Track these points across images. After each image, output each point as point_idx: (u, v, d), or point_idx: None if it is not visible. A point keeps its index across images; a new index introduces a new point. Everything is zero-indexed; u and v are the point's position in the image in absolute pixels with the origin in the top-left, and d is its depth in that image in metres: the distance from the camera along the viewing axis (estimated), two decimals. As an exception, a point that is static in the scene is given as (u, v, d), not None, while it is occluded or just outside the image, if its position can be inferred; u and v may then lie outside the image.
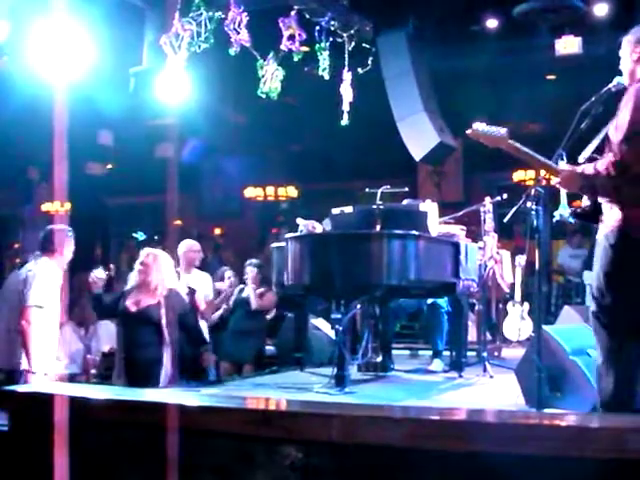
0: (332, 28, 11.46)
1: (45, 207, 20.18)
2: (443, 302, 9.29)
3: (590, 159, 5.32)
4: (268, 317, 11.60)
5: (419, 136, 13.70)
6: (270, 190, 20.69)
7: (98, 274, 7.99)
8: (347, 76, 11.86)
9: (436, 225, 8.59)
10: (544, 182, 5.97)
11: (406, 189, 9.42)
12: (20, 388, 5.78)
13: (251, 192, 20.80)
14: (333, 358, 7.75)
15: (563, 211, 5.80)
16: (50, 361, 7.46)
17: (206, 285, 10.31)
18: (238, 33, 10.27)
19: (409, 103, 13.72)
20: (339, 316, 7.51)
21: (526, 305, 11.64)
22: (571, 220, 5.91)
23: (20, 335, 7.29)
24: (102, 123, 17.12)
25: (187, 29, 10.29)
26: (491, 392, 7.88)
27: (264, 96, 11.10)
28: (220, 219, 21.59)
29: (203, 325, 9.94)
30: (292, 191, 20.65)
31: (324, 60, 11.42)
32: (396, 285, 7.68)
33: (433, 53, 14.33)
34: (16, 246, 21.42)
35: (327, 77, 11.55)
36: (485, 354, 9.08)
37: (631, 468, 3.39)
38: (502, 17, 13.79)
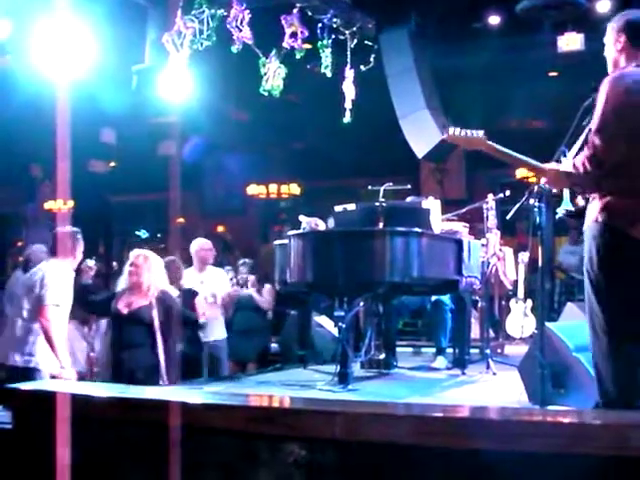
0: (334, 25, 11.45)
1: (48, 205, 20.21)
2: (446, 299, 9.28)
3: (577, 155, 5.31)
4: (269, 313, 11.62)
5: (421, 133, 13.71)
6: (273, 188, 20.70)
7: (88, 263, 8.02)
8: (349, 73, 11.86)
9: (439, 222, 8.58)
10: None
11: (409, 186, 9.43)
12: (24, 386, 5.79)
13: (254, 190, 20.82)
14: (336, 355, 7.75)
15: (566, 208, 5.79)
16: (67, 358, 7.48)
17: (223, 281, 10.33)
18: (240, 31, 10.28)
19: (411, 100, 13.73)
20: (342, 313, 7.51)
21: (529, 302, 11.64)
22: (573, 218, 5.90)
23: (43, 333, 7.30)
24: (105, 121, 17.14)
25: (189, 27, 10.29)
26: (494, 389, 7.88)
27: (266, 94, 11.10)
28: (223, 217, 21.60)
29: (220, 321, 9.99)
30: (295, 189, 20.66)
31: (326, 57, 11.42)
32: (399, 282, 7.68)
33: (435, 50, 14.34)
34: (19, 244, 21.43)
35: (329, 74, 11.55)
36: (488, 351, 9.08)
37: (634, 465, 3.39)
38: (504, 14, 13.80)
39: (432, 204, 8.65)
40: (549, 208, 5.94)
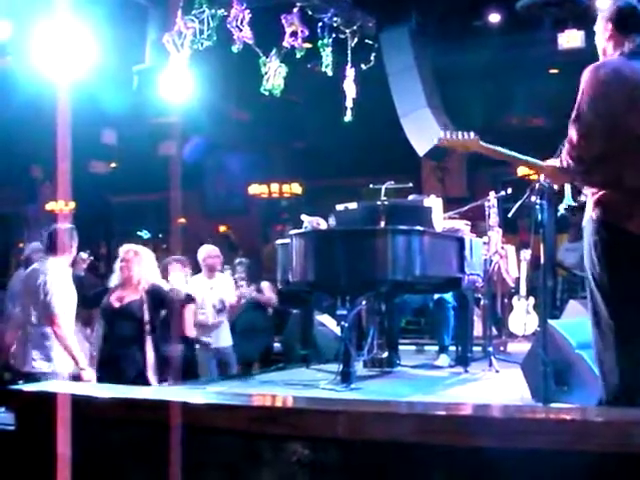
0: (335, 24, 11.46)
1: (49, 206, 20.21)
2: (449, 297, 9.29)
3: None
4: (270, 311, 11.62)
5: (422, 132, 13.71)
6: (274, 187, 20.70)
7: (82, 255, 8.03)
8: (350, 72, 11.86)
9: (441, 220, 8.59)
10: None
11: (410, 185, 9.43)
12: (26, 387, 5.78)
13: (255, 189, 20.82)
14: (339, 354, 7.76)
15: (568, 203, 5.78)
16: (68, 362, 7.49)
17: (230, 287, 10.34)
18: (241, 30, 10.28)
19: (412, 99, 13.74)
20: (344, 312, 7.51)
21: (531, 299, 11.64)
22: (574, 213, 5.89)
23: (58, 340, 7.32)
24: (106, 122, 17.15)
25: (190, 27, 10.29)
26: (497, 387, 7.88)
27: (267, 93, 11.11)
28: (224, 216, 21.60)
29: (227, 327, 10.00)
30: (296, 188, 20.66)
31: (327, 56, 11.42)
32: (401, 281, 7.68)
33: (436, 48, 14.34)
34: (21, 245, 21.44)
35: (330, 73, 11.56)
36: (491, 349, 9.09)
37: (637, 462, 3.38)
38: (505, 11, 13.80)
39: (434, 202, 8.65)
40: (551, 205, 5.94)
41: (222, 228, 21.43)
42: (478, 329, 10.30)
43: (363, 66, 12.03)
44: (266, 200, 21.12)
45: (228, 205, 21.57)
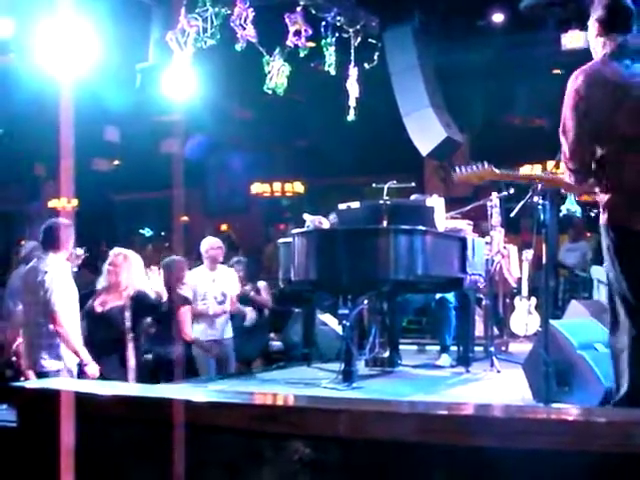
0: (338, 24, 11.47)
1: (52, 203, 20.23)
2: (451, 297, 9.29)
3: None
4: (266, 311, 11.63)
5: (425, 131, 13.70)
6: (276, 186, 20.73)
7: (77, 251, 8.03)
8: (353, 71, 11.88)
9: (443, 220, 8.59)
10: (551, 176, 5.95)
11: (413, 184, 9.43)
12: (28, 384, 5.79)
13: (257, 188, 20.85)
14: (340, 353, 7.77)
15: (570, 205, 5.79)
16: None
17: (233, 280, 10.34)
18: (244, 29, 10.29)
19: (415, 98, 13.72)
20: (346, 311, 7.52)
21: (533, 300, 11.64)
22: (578, 214, 5.90)
23: (60, 338, 7.31)
24: (108, 119, 17.14)
25: (193, 25, 10.29)
26: (498, 387, 7.89)
27: (270, 92, 11.11)
28: (226, 215, 21.62)
29: (228, 320, 10.01)
30: (298, 187, 20.68)
31: (330, 56, 11.44)
32: (403, 280, 7.69)
33: (439, 48, 14.33)
34: (23, 242, 21.44)
35: (333, 73, 11.57)
36: (492, 349, 9.09)
37: (639, 463, 3.38)
38: (508, 11, 13.78)
39: (436, 202, 8.66)
40: (553, 206, 5.94)
41: (224, 227, 21.46)
42: (480, 329, 10.30)
43: (366, 65, 12.05)
44: (268, 199, 21.13)
45: (230, 204, 21.59)
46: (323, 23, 11.29)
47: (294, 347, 10.48)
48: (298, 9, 10.78)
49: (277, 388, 7.63)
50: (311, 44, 11.15)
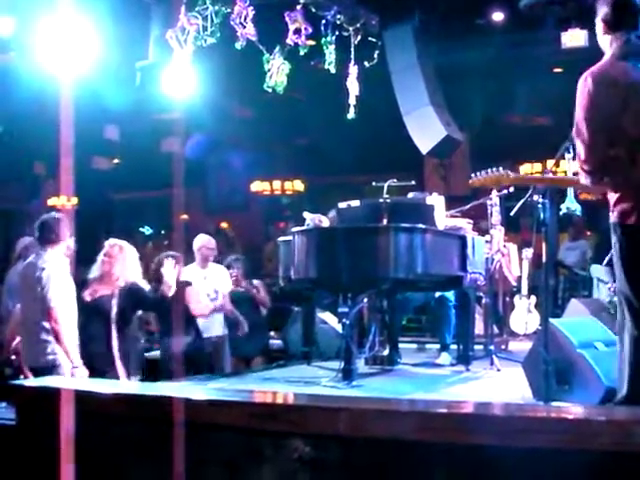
0: (338, 22, 11.47)
1: (52, 202, 20.21)
2: (451, 295, 9.29)
3: None
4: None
5: (425, 130, 13.70)
6: (276, 184, 20.73)
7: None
8: (353, 70, 11.88)
9: (443, 218, 8.59)
10: (551, 175, 5.95)
11: (413, 183, 9.42)
12: (27, 382, 5.78)
13: (257, 186, 20.85)
14: (340, 352, 7.77)
15: (570, 204, 5.79)
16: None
17: (224, 278, 10.35)
18: (244, 27, 10.28)
19: (415, 97, 13.72)
20: (346, 310, 7.52)
21: (533, 298, 11.64)
22: (578, 213, 5.90)
23: (54, 335, 7.29)
24: (108, 118, 17.14)
25: (193, 23, 10.29)
26: (498, 385, 7.89)
27: (270, 90, 11.11)
28: (226, 213, 21.62)
29: (220, 317, 10.01)
30: (298, 185, 20.68)
31: (330, 54, 11.44)
32: (403, 278, 7.69)
33: (439, 47, 14.32)
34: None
35: (333, 71, 11.57)
36: (492, 347, 9.09)
37: (639, 461, 3.38)
38: (508, 10, 13.78)
39: (436, 200, 8.67)
40: (553, 204, 5.94)
41: (224, 225, 21.47)
42: (479, 327, 10.31)
43: (366, 64, 12.06)
44: (268, 197, 21.13)
45: (230, 202, 21.59)
46: (323, 21, 11.29)
47: (294, 345, 10.48)
48: (298, 7, 10.78)
49: (277, 386, 7.63)
50: (311, 42, 11.15)
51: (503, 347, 10.60)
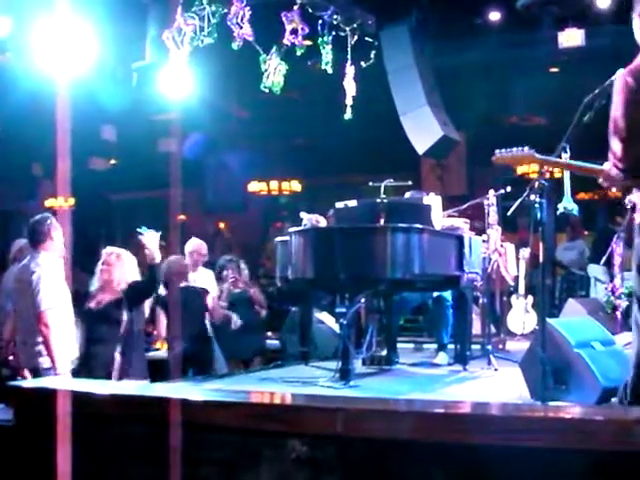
0: (335, 22, 11.46)
1: (49, 203, 20.19)
2: (448, 295, 9.29)
3: None
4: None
5: (422, 130, 13.70)
6: (273, 184, 20.71)
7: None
8: (350, 70, 11.87)
9: (440, 218, 8.59)
10: (548, 175, 5.94)
11: (410, 183, 9.42)
12: (25, 383, 5.79)
13: (255, 186, 20.82)
14: (338, 352, 7.76)
15: (567, 204, 5.79)
16: (68, 357, 7.45)
17: (211, 282, 10.37)
18: (241, 27, 10.28)
19: (412, 97, 13.72)
20: (343, 310, 7.52)
21: (530, 298, 11.65)
22: (575, 212, 5.90)
23: (42, 338, 7.27)
24: (105, 118, 17.13)
25: (190, 24, 10.29)
26: (496, 385, 7.88)
27: (267, 90, 11.11)
28: (223, 214, 21.61)
29: None
30: (295, 185, 20.67)
31: (327, 54, 11.43)
32: (400, 279, 7.68)
33: (436, 46, 14.34)
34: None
35: (330, 71, 11.56)
36: (489, 347, 9.09)
37: (636, 460, 3.39)
38: (505, 10, 13.79)
39: (433, 200, 8.66)
40: (550, 204, 5.94)
41: (222, 225, 21.47)
42: (477, 327, 10.30)
43: (363, 64, 12.04)
44: (265, 197, 21.12)
45: (227, 202, 21.56)
46: (320, 21, 11.28)
47: (291, 346, 10.46)
48: (295, 7, 10.77)
49: (274, 387, 7.62)
50: (308, 42, 11.13)
51: (500, 347, 10.59)
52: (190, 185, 18.68)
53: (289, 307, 11.27)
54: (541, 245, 6.00)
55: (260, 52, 10.77)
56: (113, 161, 21.19)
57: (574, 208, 6.13)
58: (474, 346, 9.52)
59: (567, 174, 6.08)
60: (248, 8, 10.27)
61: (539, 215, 5.83)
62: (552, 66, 16.22)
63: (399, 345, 9.62)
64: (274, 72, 10.93)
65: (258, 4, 10.53)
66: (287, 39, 10.73)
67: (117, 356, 7.75)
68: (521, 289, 11.60)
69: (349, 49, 11.82)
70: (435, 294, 9.39)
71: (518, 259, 11.14)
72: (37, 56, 9.64)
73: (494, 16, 14.01)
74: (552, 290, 14.62)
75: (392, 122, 13.88)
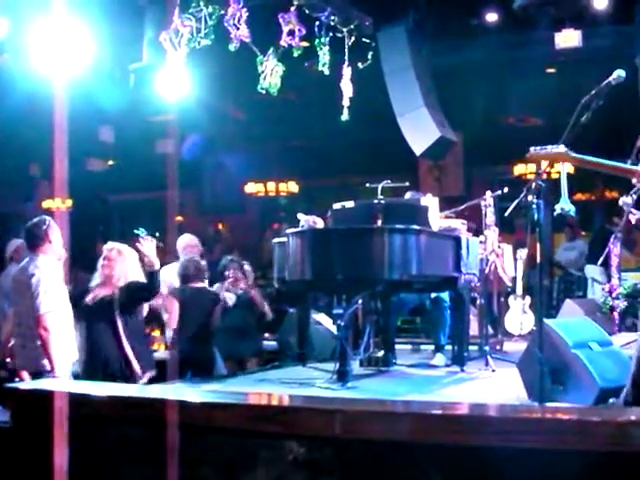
0: (332, 23, 11.47)
1: (46, 204, 20.19)
2: (446, 296, 9.29)
3: None
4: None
5: (419, 131, 13.71)
6: (271, 185, 20.69)
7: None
8: (347, 71, 11.87)
9: (437, 219, 8.59)
10: (545, 176, 5.95)
11: (407, 184, 9.42)
12: (22, 385, 5.78)
13: (252, 188, 20.81)
14: (335, 353, 7.77)
15: (564, 204, 5.79)
16: (68, 360, 7.43)
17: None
18: (238, 29, 10.28)
19: (409, 98, 13.73)
20: (341, 311, 7.52)
21: (527, 299, 11.65)
22: (572, 213, 5.90)
23: (41, 342, 7.25)
24: (103, 119, 17.12)
25: (187, 25, 10.29)
26: (493, 386, 7.89)
27: (264, 92, 11.11)
28: (221, 215, 21.60)
29: None
30: (293, 186, 20.65)
31: (324, 55, 11.43)
32: (398, 280, 7.68)
33: (433, 47, 14.35)
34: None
35: (327, 72, 11.57)
36: (487, 348, 9.09)
37: (632, 461, 3.39)
38: (502, 11, 13.81)
39: (430, 201, 8.66)
40: (547, 205, 5.95)
41: (220, 226, 21.47)
42: (474, 328, 10.29)
43: (360, 65, 12.05)
44: (263, 199, 21.11)
45: (225, 204, 21.55)
46: (317, 23, 11.29)
47: (289, 347, 10.46)
48: (292, 9, 10.78)
49: (272, 388, 7.62)
50: (305, 44, 11.14)
51: (498, 348, 10.60)
52: (187, 186, 18.66)
53: (287, 308, 11.27)
54: (538, 246, 6.00)
55: (257, 53, 10.78)
56: (110, 162, 21.20)
57: (571, 209, 6.13)
58: (472, 347, 9.52)
59: (564, 175, 6.08)
60: (245, 9, 10.28)
61: (536, 216, 5.83)
62: (549, 67, 16.24)
63: (397, 346, 9.62)
64: (271, 73, 10.93)
65: (255, 5, 10.53)
66: (284, 40, 10.74)
67: (127, 348, 7.72)
68: (518, 290, 11.60)
69: (346, 50, 11.83)
70: (432, 295, 9.40)
71: (515, 260, 11.13)
72: (34, 57, 9.64)
73: (491, 17, 14.03)
74: (550, 291, 14.63)
75: (389, 123, 13.88)
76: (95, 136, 17.70)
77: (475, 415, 4.02)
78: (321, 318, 10.27)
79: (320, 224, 9.06)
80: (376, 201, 8.12)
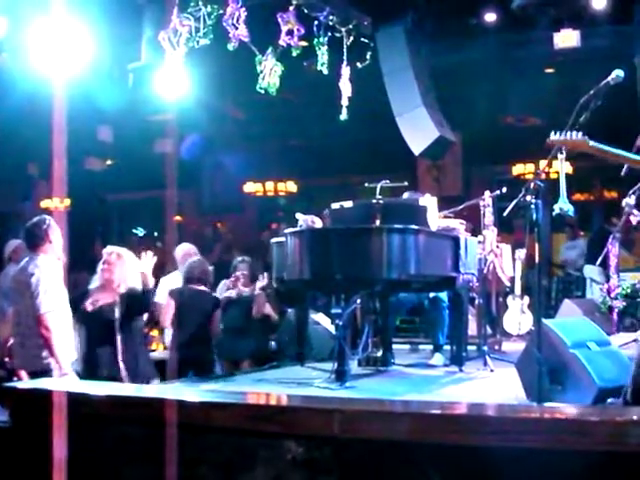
0: (330, 23, 11.47)
1: (45, 203, 20.19)
2: (444, 296, 9.29)
3: None
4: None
5: (418, 130, 13.70)
6: (269, 185, 20.69)
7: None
8: (346, 71, 11.88)
9: (436, 219, 8.59)
10: (543, 176, 5.95)
11: (405, 184, 9.42)
12: (20, 384, 5.78)
13: (250, 187, 20.80)
14: (333, 353, 7.76)
15: (562, 204, 5.79)
16: (69, 359, 7.43)
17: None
18: (237, 28, 10.29)
19: (408, 98, 13.72)
20: (339, 311, 7.52)
21: (526, 299, 11.65)
22: (570, 213, 5.90)
23: (43, 341, 7.25)
24: (101, 119, 17.12)
25: (185, 25, 10.29)
26: (492, 386, 7.88)
27: (263, 91, 11.11)
28: (220, 214, 21.60)
29: None
30: (291, 186, 20.65)
31: (323, 55, 11.44)
32: (396, 279, 7.68)
33: (432, 47, 14.34)
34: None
35: (326, 72, 11.57)
36: (485, 348, 9.08)
37: (630, 461, 3.39)
38: (501, 11, 13.81)
39: (429, 201, 8.66)
40: (546, 205, 5.95)
41: (218, 226, 21.47)
42: (473, 328, 10.29)
43: (359, 65, 12.05)
44: (261, 198, 21.11)
45: (223, 203, 21.55)
46: (315, 22, 11.29)
47: (287, 347, 10.45)
48: (290, 8, 10.79)
49: (270, 388, 7.61)
50: (303, 43, 11.15)
51: (496, 348, 10.59)
52: (186, 186, 18.64)
53: (285, 308, 11.26)
54: (537, 246, 6.00)
55: (256, 53, 10.78)
56: (109, 162, 21.19)
57: (570, 209, 6.13)
58: (470, 347, 9.52)
59: (563, 175, 6.08)
60: (244, 9, 10.29)
61: (535, 216, 5.83)
62: (548, 67, 16.24)
63: (395, 346, 9.61)
64: (270, 73, 10.94)
65: (254, 5, 10.54)
66: (283, 40, 10.75)
67: (121, 363, 7.72)
68: (517, 290, 11.59)
69: (345, 50, 11.83)
70: (431, 295, 9.39)
71: (514, 260, 11.13)
72: (33, 57, 9.64)
73: (490, 17, 14.03)
74: (548, 291, 14.64)
75: (388, 123, 13.89)
76: (94, 135, 17.69)
77: (474, 415, 4.02)
78: (319, 318, 10.26)
79: (319, 224, 9.06)
80: (374, 201, 8.11)
